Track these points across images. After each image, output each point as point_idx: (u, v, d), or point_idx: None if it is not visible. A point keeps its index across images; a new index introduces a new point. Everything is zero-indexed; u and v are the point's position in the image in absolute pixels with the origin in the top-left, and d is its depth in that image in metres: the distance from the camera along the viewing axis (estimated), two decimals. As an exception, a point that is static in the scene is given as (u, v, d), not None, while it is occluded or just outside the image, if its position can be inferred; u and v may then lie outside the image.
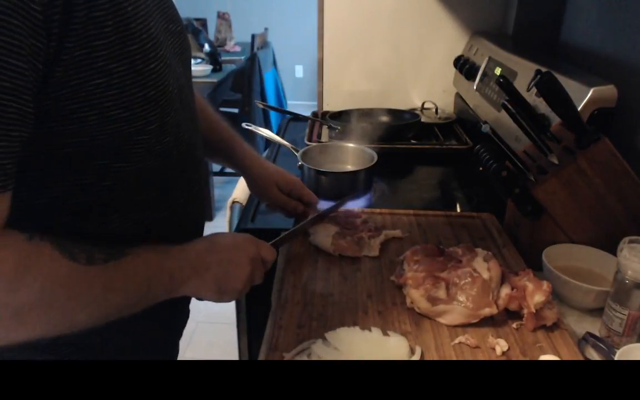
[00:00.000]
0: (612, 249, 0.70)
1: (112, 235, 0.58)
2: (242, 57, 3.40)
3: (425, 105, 1.58)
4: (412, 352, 0.63)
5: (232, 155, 0.88)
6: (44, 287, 0.47)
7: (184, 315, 0.78)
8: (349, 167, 1.17)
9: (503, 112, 0.82)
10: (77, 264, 0.49)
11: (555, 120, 0.86)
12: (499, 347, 0.63)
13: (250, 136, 2.88)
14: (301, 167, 1.13)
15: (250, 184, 0.91)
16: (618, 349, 0.61)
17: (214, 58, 2.98)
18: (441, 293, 0.69)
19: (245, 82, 2.94)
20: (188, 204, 0.67)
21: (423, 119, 1.49)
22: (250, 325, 1.11)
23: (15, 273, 0.45)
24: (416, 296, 0.70)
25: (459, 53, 1.53)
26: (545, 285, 0.68)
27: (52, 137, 0.49)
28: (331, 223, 0.89)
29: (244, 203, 1.14)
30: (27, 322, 0.47)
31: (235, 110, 2.98)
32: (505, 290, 0.70)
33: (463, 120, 1.52)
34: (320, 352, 0.61)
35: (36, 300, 0.47)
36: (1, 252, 0.45)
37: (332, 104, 1.65)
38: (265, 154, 1.44)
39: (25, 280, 0.46)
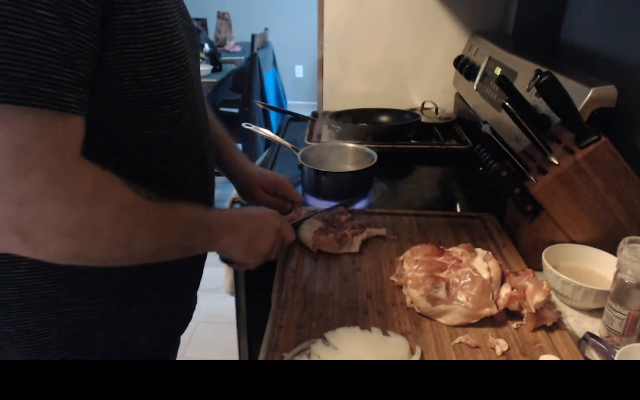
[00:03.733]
0: (612, 249, 0.70)
1: None
2: (242, 57, 3.40)
3: (425, 105, 1.58)
4: (412, 352, 0.63)
5: (220, 163, 0.92)
6: (116, 208, 0.53)
7: (193, 300, 0.83)
8: (349, 167, 1.17)
9: (503, 112, 0.82)
10: (140, 197, 0.55)
11: (555, 120, 0.86)
12: (499, 347, 0.63)
13: (250, 136, 2.89)
14: (301, 167, 1.13)
15: (238, 190, 0.97)
16: (618, 349, 0.61)
17: (214, 58, 2.98)
18: (441, 293, 0.69)
19: (245, 82, 2.94)
20: (202, 183, 0.72)
21: (423, 119, 1.49)
22: (250, 325, 1.11)
23: (95, 191, 0.51)
24: (416, 296, 0.70)
25: (459, 53, 1.53)
26: (544, 285, 0.68)
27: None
28: (317, 219, 0.89)
29: (244, 202, 1.14)
30: (101, 237, 0.52)
31: (235, 110, 2.98)
32: (505, 290, 0.70)
33: (463, 120, 1.52)
34: (320, 352, 0.61)
35: (110, 218, 0.52)
36: (83, 170, 0.50)
37: (332, 104, 1.65)
38: (265, 154, 1.44)
39: (102, 198, 0.51)
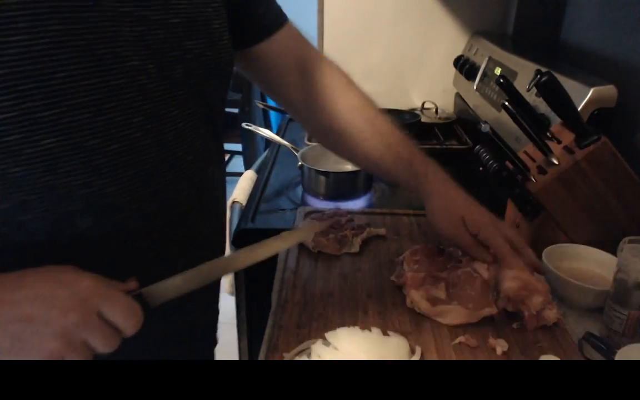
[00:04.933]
0: (612, 249, 0.70)
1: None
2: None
3: (425, 105, 1.58)
4: (412, 352, 0.63)
5: (410, 178, 0.73)
6: None
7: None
8: (349, 167, 1.17)
9: (503, 112, 0.82)
10: None
11: (555, 120, 0.86)
12: (499, 347, 0.63)
13: (250, 136, 2.89)
14: (301, 167, 1.13)
15: (432, 213, 0.74)
16: (618, 349, 0.61)
17: (214, 58, 2.97)
18: (441, 293, 0.69)
19: (245, 82, 2.94)
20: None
21: (423, 119, 1.49)
22: (250, 325, 1.11)
23: None
24: (416, 296, 0.70)
25: (459, 53, 1.53)
26: (540, 284, 0.68)
27: None
28: (317, 221, 0.88)
29: (244, 203, 1.14)
30: None
31: (236, 110, 2.98)
32: (505, 291, 0.70)
33: (463, 120, 1.52)
34: (320, 352, 0.61)
35: None
36: None
37: (332, 104, 1.65)
38: (265, 154, 1.44)
39: None
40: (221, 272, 0.55)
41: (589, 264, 0.80)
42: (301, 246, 0.86)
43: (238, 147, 3.13)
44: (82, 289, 0.43)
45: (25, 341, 0.41)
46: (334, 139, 0.78)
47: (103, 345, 0.43)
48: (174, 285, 0.49)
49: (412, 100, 1.66)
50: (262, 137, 1.36)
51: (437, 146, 1.38)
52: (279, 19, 0.74)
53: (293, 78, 0.75)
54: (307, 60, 0.77)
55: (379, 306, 0.72)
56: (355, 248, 0.85)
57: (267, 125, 3.01)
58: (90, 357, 0.44)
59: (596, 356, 0.63)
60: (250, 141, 2.84)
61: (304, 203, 1.10)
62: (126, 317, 0.44)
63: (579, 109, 0.82)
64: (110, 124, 0.46)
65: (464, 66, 1.43)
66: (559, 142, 0.82)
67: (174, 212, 0.55)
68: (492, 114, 1.18)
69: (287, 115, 1.69)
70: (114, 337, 0.44)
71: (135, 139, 0.49)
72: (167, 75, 0.50)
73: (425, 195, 0.74)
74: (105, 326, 0.43)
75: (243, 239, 0.99)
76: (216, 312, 0.74)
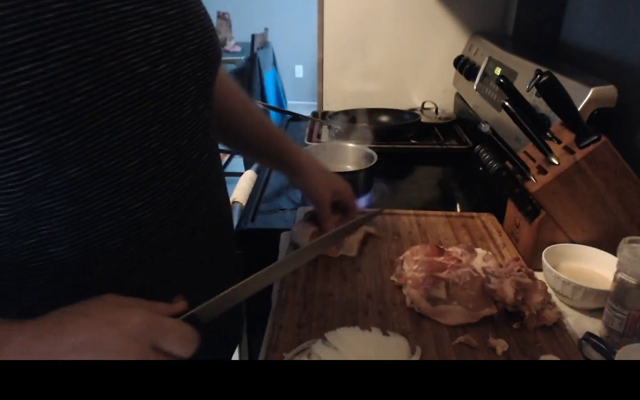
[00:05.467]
0: (612, 249, 0.70)
1: (52, 264, 0.46)
2: (242, 57, 3.40)
3: (425, 105, 1.58)
4: (412, 352, 0.63)
5: (282, 152, 0.79)
6: None
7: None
8: (349, 167, 1.17)
9: (503, 112, 0.82)
10: None
11: (555, 120, 0.86)
12: (499, 347, 0.63)
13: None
14: (301, 167, 1.13)
15: (305, 183, 0.81)
16: (618, 349, 0.61)
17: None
18: (441, 293, 0.69)
19: (245, 82, 2.94)
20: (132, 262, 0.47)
21: (423, 119, 1.49)
22: (250, 325, 1.11)
23: None
24: (416, 296, 0.70)
25: (459, 53, 1.53)
26: (539, 284, 0.68)
27: None
28: (311, 223, 0.87)
29: (244, 203, 1.14)
30: None
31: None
32: (505, 291, 0.70)
33: (463, 120, 1.52)
34: (320, 352, 0.61)
35: None
36: None
37: (332, 104, 1.65)
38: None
39: None
40: (267, 280, 0.53)
41: (589, 264, 0.80)
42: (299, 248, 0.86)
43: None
44: (133, 326, 0.40)
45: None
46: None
47: (183, 355, 0.42)
48: (224, 299, 0.47)
49: (412, 100, 1.66)
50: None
51: (437, 146, 1.38)
52: None
53: None
54: None
55: (379, 306, 0.72)
56: (354, 251, 0.84)
57: (267, 125, 3.01)
58: None
59: (596, 356, 0.63)
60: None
61: (304, 203, 1.10)
62: (182, 345, 0.42)
63: (579, 109, 0.82)
64: (129, 140, 0.45)
65: (464, 66, 1.43)
66: (559, 142, 0.82)
67: (197, 216, 0.54)
68: (492, 114, 1.18)
69: (287, 116, 1.69)
70: (181, 355, 0.43)
71: (153, 149, 0.47)
72: (177, 73, 0.49)
73: (300, 166, 0.80)
74: (163, 358, 0.42)
75: (243, 239, 0.99)
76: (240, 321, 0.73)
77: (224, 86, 0.72)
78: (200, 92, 0.53)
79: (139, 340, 0.40)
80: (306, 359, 0.61)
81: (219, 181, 0.61)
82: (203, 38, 0.52)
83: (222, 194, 0.63)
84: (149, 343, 0.40)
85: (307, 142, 1.33)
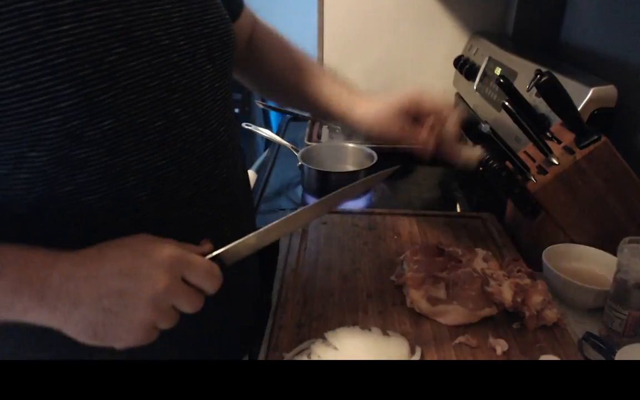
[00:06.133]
0: (613, 249, 0.70)
1: (65, 236, 0.49)
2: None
3: (426, 105, 1.58)
4: (412, 352, 0.63)
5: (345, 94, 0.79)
6: None
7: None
8: (349, 167, 1.17)
9: (503, 112, 0.82)
10: None
11: (555, 120, 0.86)
12: (499, 347, 0.63)
13: (250, 136, 2.89)
14: (301, 167, 1.13)
15: (367, 114, 0.78)
16: (618, 349, 0.61)
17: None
18: (441, 293, 0.69)
19: (246, 82, 2.94)
20: (164, 218, 0.52)
21: (423, 119, 1.48)
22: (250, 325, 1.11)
23: None
24: (416, 296, 0.70)
25: (458, 53, 1.53)
26: (539, 284, 0.68)
27: None
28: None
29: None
30: None
31: (236, 110, 2.98)
32: (505, 291, 0.70)
33: (463, 120, 1.51)
34: (320, 352, 0.61)
35: None
36: None
37: (332, 104, 1.65)
38: (265, 154, 1.44)
39: None
40: (291, 227, 0.57)
41: (589, 264, 0.80)
42: (301, 245, 0.86)
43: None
44: (165, 257, 0.45)
45: (118, 314, 0.44)
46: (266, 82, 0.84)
47: (190, 307, 0.47)
48: (247, 245, 0.52)
49: (412, 100, 1.66)
50: (262, 137, 1.36)
51: (437, 146, 1.38)
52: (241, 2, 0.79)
53: (244, 48, 0.81)
54: (254, 32, 0.83)
55: (379, 306, 0.72)
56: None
57: (267, 125, 3.01)
58: (177, 320, 0.47)
59: (596, 356, 0.63)
60: (250, 141, 2.84)
61: (304, 203, 1.10)
62: (208, 279, 0.47)
63: (579, 109, 0.82)
64: (155, 102, 0.49)
65: (464, 66, 1.43)
66: (559, 142, 0.82)
67: (217, 180, 0.58)
68: (492, 114, 1.18)
69: (288, 116, 1.69)
70: (199, 298, 0.47)
71: (175, 114, 0.51)
72: (194, 51, 0.53)
73: (357, 105, 0.79)
74: (190, 289, 0.46)
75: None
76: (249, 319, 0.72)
77: (274, 47, 0.82)
78: (216, 71, 0.57)
79: (170, 270, 0.45)
80: (306, 359, 0.61)
81: (238, 155, 0.64)
82: (219, 24, 0.57)
83: (241, 168, 0.66)
84: (178, 274, 0.45)
85: (307, 142, 1.32)
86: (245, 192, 0.69)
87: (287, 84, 0.82)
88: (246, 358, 0.75)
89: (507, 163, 0.80)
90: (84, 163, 0.46)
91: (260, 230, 0.53)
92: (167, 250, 0.46)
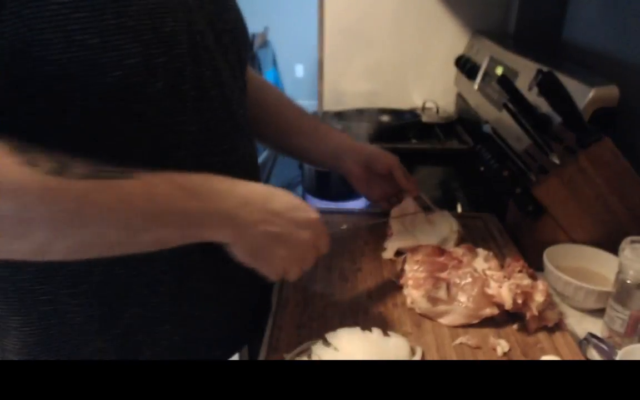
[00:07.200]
0: (614, 249, 0.70)
1: None
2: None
3: (426, 105, 1.58)
4: (413, 352, 0.62)
5: (327, 138, 0.85)
6: None
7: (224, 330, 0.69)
8: (350, 167, 1.17)
9: (504, 112, 0.82)
10: (34, 171, 0.42)
11: (556, 119, 0.86)
12: (500, 347, 0.63)
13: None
14: (301, 167, 1.13)
15: (368, 151, 0.85)
16: (620, 349, 0.61)
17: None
18: (442, 293, 0.69)
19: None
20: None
21: (424, 119, 1.49)
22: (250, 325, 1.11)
23: None
24: (417, 297, 0.69)
25: (460, 52, 1.53)
26: (540, 285, 0.68)
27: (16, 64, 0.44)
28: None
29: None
30: None
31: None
32: (506, 291, 0.70)
33: (464, 120, 1.51)
34: (321, 352, 0.61)
35: None
36: None
37: (332, 104, 1.65)
38: (265, 154, 1.44)
39: None
40: None
41: (591, 264, 0.80)
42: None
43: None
44: (316, 217, 0.58)
45: (277, 246, 0.55)
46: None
47: (307, 266, 0.60)
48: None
49: (412, 99, 1.65)
50: (263, 136, 1.36)
51: (438, 146, 1.38)
52: None
53: None
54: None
55: (380, 306, 0.72)
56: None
57: (268, 125, 3.00)
58: (309, 264, 0.59)
59: (597, 357, 0.63)
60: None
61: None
62: (326, 248, 0.60)
63: (580, 108, 0.82)
64: (192, 76, 0.55)
65: (465, 66, 1.43)
66: (561, 141, 0.82)
67: (238, 154, 0.63)
68: (493, 114, 1.18)
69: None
70: (323, 250, 0.60)
71: (207, 88, 0.57)
72: (219, 40, 0.59)
73: (356, 146, 0.86)
74: (316, 251, 0.59)
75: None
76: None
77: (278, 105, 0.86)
78: (236, 62, 0.63)
79: (317, 228, 0.58)
80: (306, 359, 0.61)
81: (252, 141, 0.70)
82: (237, 22, 0.64)
83: (254, 148, 0.72)
84: (320, 235, 0.59)
85: (307, 142, 1.32)
86: (257, 173, 0.74)
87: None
88: (246, 356, 0.75)
89: (508, 163, 0.80)
90: (139, 118, 0.51)
91: None
92: (315, 212, 0.58)
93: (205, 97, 0.57)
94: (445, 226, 0.85)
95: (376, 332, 0.65)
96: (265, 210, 0.54)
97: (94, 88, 0.47)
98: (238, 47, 0.64)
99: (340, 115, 1.46)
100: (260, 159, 1.41)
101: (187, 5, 0.54)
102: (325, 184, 1.11)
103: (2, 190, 0.41)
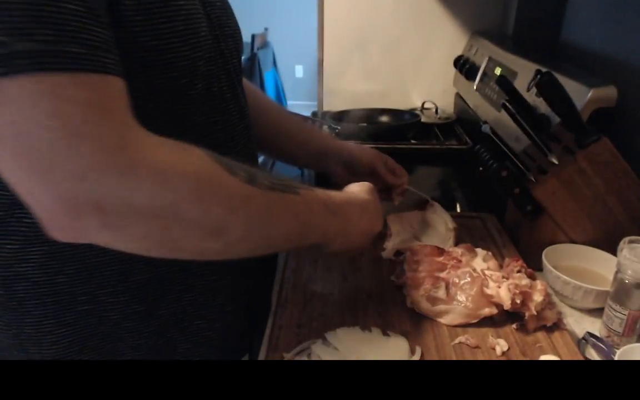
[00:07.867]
0: (612, 249, 0.70)
1: None
2: (242, 57, 3.41)
3: (425, 105, 1.58)
4: (412, 352, 0.63)
5: (309, 141, 0.88)
6: (197, 188, 0.45)
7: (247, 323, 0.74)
8: (349, 167, 1.17)
9: (503, 112, 0.82)
10: (236, 179, 0.48)
11: (555, 120, 0.86)
12: (499, 347, 0.63)
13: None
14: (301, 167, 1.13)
15: (353, 151, 0.90)
16: (618, 349, 0.61)
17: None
18: (441, 293, 0.69)
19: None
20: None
21: (423, 119, 1.49)
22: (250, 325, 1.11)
23: (165, 162, 0.43)
24: (416, 296, 0.70)
25: (458, 53, 1.53)
26: (539, 284, 0.68)
27: None
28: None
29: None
30: (179, 221, 0.44)
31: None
32: (505, 291, 0.70)
33: (463, 120, 1.52)
34: (320, 352, 0.61)
35: (189, 198, 0.44)
36: (140, 136, 0.43)
37: (332, 104, 1.65)
38: (265, 154, 1.44)
39: (176, 173, 0.43)
40: None
41: (589, 264, 0.80)
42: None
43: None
44: (379, 208, 0.70)
45: (359, 227, 0.65)
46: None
47: (379, 227, 0.70)
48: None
49: (412, 100, 1.66)
50: (262, 137, 1.36)
51: (437, 146, 1.38)
52: None
53: None
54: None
55: (379, 306, 0.72)
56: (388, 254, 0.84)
57: (267, 125, 3.01)
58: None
59: (596, 356, 0.63)
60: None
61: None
62: (380, 221, 0.70)
63: (579, 109, 0.82)
64: (213, 76, 0.59)
65: (464, 66, 1.43)
66: (559, 142, 0.82)
67: (249, 152, 0.67)
68: (492, 114, 1.18)
69: (287, 115, 1.69)
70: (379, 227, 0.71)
71: (223, 90, 0.61)
72: (224, 46, 0.63)
73: (337, 146, 0.89)
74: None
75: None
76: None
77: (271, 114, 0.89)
78: (238, 65, 0.67)
79: (379, 217, 0.69)
80: (306, 359, 0.61)
81: (255, 142, 0.73)
82: (236, 30, 0.68)
83: (256, 155, 0.76)
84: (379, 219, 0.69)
85: (307, 142, 1.32)
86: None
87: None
88: (246, 357, 0.75)
89: (507, 163, 0.80)
90: (181, 118, 0.55)
91: None
92: (378, 203, 0.70)
93: (223, 99, 0.61)
94: (441, 224, 0.86)
95: (375, 332, 0.65)
96: (353, 205, 0.66)
97: (152, 88, 0.51)
98: (238, 52, 0.68)
99: (339, 116, 1.46)
100: (260, 159, 1.41)
101: (204, 11, 0.57)
102: (325, 183, 1.10)
103: (214, 194, 0.46)
